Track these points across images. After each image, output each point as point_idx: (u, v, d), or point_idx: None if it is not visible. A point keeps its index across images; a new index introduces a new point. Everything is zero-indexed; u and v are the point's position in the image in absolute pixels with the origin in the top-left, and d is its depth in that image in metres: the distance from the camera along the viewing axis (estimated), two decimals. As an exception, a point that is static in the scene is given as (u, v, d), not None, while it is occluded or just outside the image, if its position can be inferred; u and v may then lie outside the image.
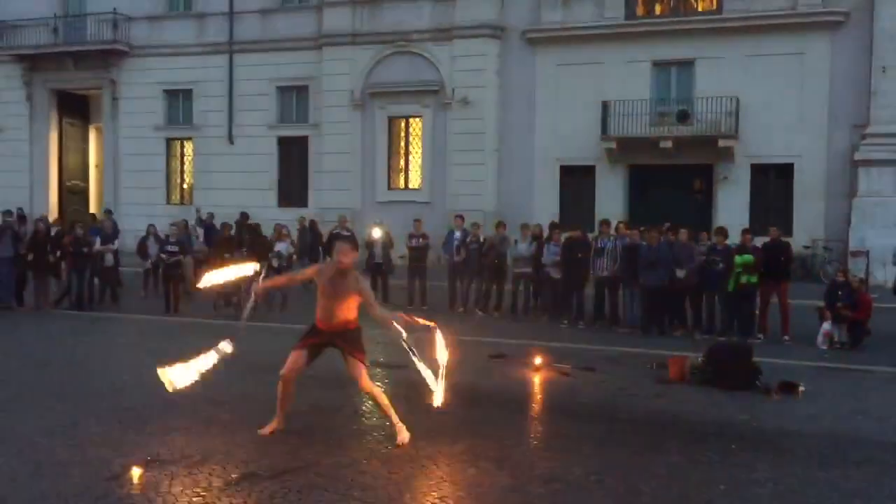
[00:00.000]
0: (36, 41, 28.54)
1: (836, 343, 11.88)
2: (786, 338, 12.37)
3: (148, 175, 28.23)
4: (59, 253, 15.07)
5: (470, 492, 5.38)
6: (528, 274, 14.55)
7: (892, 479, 5.88)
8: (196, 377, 6.29)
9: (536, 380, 9.33)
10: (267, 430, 6.56)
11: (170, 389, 6.27)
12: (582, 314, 13.83)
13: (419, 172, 25.57)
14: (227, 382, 8.51)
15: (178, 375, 6.25)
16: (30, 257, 14.95)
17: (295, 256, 16.91)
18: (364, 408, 7.79)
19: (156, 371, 6.33)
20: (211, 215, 20.63)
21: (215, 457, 5.98)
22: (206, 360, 6.33)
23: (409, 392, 8.45)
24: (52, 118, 29.73)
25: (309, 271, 6.94)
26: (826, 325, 11.95)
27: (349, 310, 6.41)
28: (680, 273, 12.72)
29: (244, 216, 18.63)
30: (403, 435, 6.40)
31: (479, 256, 15.02)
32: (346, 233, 16.17)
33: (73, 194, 30.14)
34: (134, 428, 6.81)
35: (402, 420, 6.53)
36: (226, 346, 6.41)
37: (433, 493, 5.33)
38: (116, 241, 16.25)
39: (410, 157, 25.89)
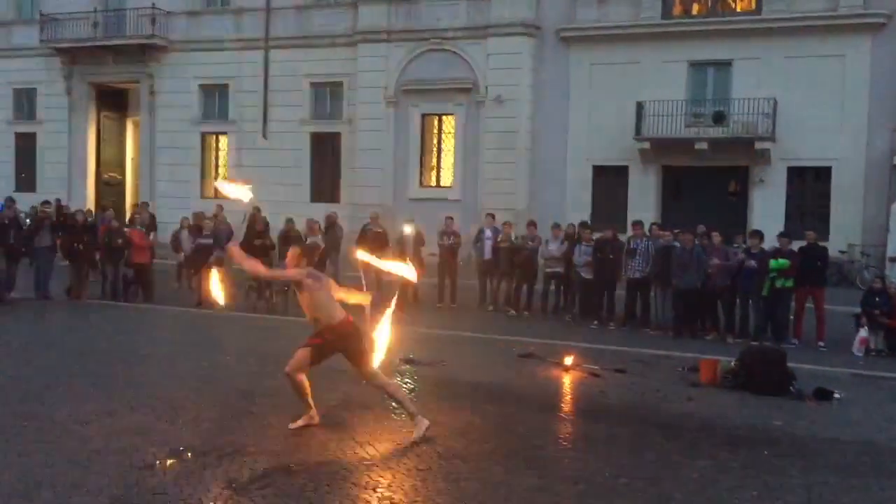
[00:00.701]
0: (76, 35, 28.96)
1: (872, 350, 11.69)
2: (821, 344, 12.18)
3: (183, 168, 28.53)
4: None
5: (497, 490, 5.37)
6: (559, 274, 14.50)
7: (929, 490, 5.77)
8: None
9: (566, 380, 9.29)
10: (299, 423, 6.60)
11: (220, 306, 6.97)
12: (613, 315, 13.75)
13: (451, 170, 25.55)
14: (259, 375, 8.59)
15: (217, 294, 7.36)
16: (79, 247, 15.17)
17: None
18: (394, 404, 7.80)
19: (187, 361, 6.42)
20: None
21: (245, 448, 6.03)
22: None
23: (439, 389, 8.48)
24: (90, 111, 30.17)
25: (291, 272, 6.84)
26: (863, 332, 11.76)
27: (333, 306, 6.53)
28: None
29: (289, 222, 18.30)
30: (422, 425, 6.45)
31: (509, 255, 15.00)
32: (378, 229, 16.27)
33: (109, 186, 30.57)
34: (166, 418, 6.89)
35: (426, 416, 6.57)
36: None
37: (460, 491, 5.33)
38: (152, 235, 16.44)
39: (443, 155, 25.89)
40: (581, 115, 23.72)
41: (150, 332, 12.25)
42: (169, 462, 5.68)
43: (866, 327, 11.78)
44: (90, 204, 28.68)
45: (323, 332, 6.48)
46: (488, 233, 15.43)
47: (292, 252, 6.78)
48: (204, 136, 28.98)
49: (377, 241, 15.79)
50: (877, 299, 12.07)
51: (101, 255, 15.53)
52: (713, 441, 6.87)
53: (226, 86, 28.21)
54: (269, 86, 27.40)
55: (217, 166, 29.16)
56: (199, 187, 28.76)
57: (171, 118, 28.68)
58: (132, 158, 31.21)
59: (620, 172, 23.71)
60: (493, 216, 16.09)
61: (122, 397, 7.59)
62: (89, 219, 17.09)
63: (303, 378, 6.54)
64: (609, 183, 23.87)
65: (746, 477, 5.89)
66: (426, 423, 6.46)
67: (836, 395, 8.62)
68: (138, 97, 29.80)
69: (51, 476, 5.38)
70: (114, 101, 30.79)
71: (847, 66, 21.40)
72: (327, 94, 27.18)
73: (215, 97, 28.65)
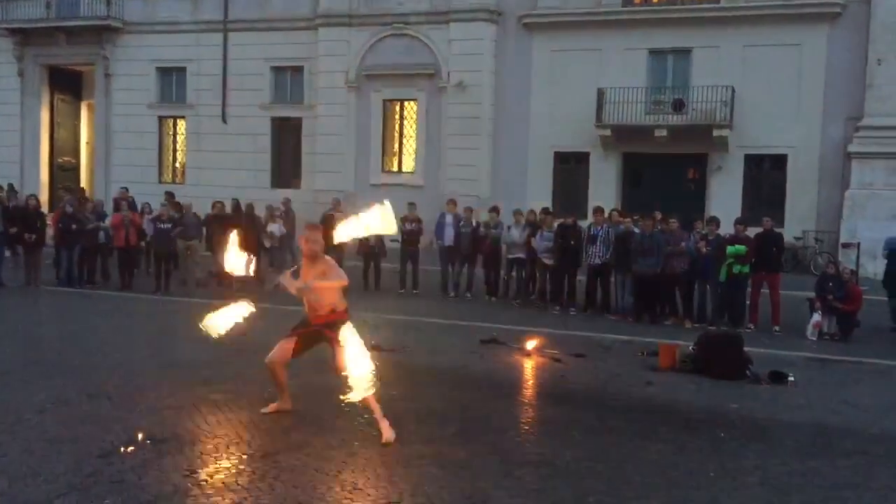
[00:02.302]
0: (28, 15, 28.23)
1: (825, 334, 11.95)
2: (776, 328, 12.42)
3: (140, 153, 28.03)
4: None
5: (459, 475, 5.40)
6: (521, 259, 14.57)
7: (879, 470, 5.92)
8: (237, 320, 6.49)
9: (527, 365, 9.35)
10: (271, 408, 6.61)
11: (214, 336, 6.46)
12: (574, 301, 13.87)
13: (413, 156, 25.49)
14: (219, 363, 8.51)
15: (218, 323, 6.45)
16: (12, 231, 14.85)
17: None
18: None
19: (146, 348, 6.32)
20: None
21: (206, 436, 5.98)
22: (241, 310, 6.50)
23: (402, 375, 8.48)
24: (43, 94, 29.46)
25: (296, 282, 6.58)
26: (816, 317, 12.01)
27: (330, 295, 6.31)
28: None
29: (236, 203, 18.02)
30: (388, 434, 6.05)
31: (471, 241, 15.04)
32: (339, 215, 16.16)
33: (64, 171, 29.93)
34: (125, 406, 6.80)
35: (387, 409, 6.54)
36: (248, 307, 6.51)
37: (422, 475, 5.34)
38: (107, 220, 16.13)
39: (405, 141, 25.80)
40: (543, 102, 23.80)
41: (108, 319, 12.04)
42: (128, 450, 5.60)
43: (820, 312, 12.03)
44: (44, 189, 28.10)
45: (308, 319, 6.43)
46: (450, 219, 15.43)
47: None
48: (161, 119, 28.51)
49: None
50: (830, 284, 12.32)
51: (56, 241, 15.22)
52: (672, 424, 6.97)
53: (183, 69, 27.73)
54: (228, 69, 27.01)
55: (175, 151, 28.73)
56: (156, 172, 28.32)
57: (127, 101, 28.13)
58: (87, 142, 30.60)
59: (581, 159, 23.87)
60: (455, 202, 16.09)
61: (78, 385, 7.46)
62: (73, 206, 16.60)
63: (283, 373, 6.58)
64: (570, 169, 24.02)
65: (704, 459, 6.00)
66: (392, 434, 6.07)
67: (791, 378, 8.80)
68: (93, 80, 29.18)
69: (6, 465, 5.28)
70: (68, 84, 30.10)
71: (803, 55, 21.74)
72: (288, 79, 26.89)
73: (172, 80, 28.16)
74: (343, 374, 6.16)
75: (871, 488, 5.52)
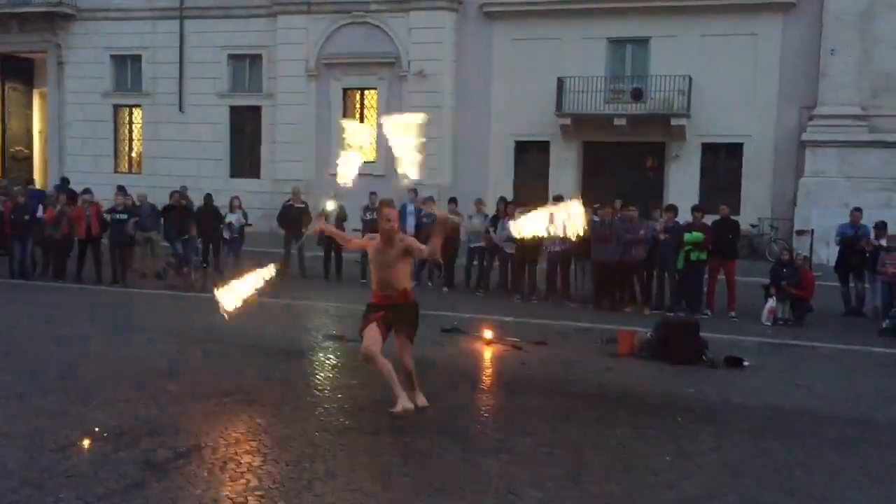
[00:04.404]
0: (-23, 1, 27.53)
1: (780, 320, 12.18)
2: (732, 314, 12.64)
3: (95, 143, 27.52)
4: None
5: (420, 463, 5.41)
6: (481, 248, 14.60)
7: (830, 451, 6.06)
8: (248, 294, 6.38)
9: (488, 353, 9.39)
10: (398, 408, 6.03)
11: (225, 315, 6.34)
12: (534, 289, 13.95)
13: (374, 146, 25.32)
14: (176, 354, 8.42)
15: (229, 298, 6.33)
16: None
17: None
18: (315, 380, 7.77)
19: (102, 340, 6.22)
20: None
21: (163, 428, 5.91)
22: (254, 281, 6.36)
23: (361, 364, 8.47)
24: (-7, 82, 28.76)
25: (361, 241, 7.00)
26: (771, 302, 12.24)
27: (405, 277, 6.29)
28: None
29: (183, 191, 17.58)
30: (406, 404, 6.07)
31: (431, 231, 15.01)
32: (299, 205, 16.06)
33: (16, 161, 29.25)
34: (80, 399, 6.69)
35: (347, 399, 6.54)
36: (270, 270, 6.50)
37: (381, 465, 5.35)
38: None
39: (365, 130, 25.62)
40: (503, 91, 23.84)
41: (63, 311, 11.83)
42: (83, 444, 5.52)
43: (774, 298, 12.26)
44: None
45: (377, 303, 6.33)
46: (411, 208, 15.40)
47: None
48: (116, 108, 27.99)
49: (298, 217, 15.62)
50: (784, 271, 12.55)
51: (7, 231, 14.89)
52: (630, 409, 7.06)
53: (138, 57, 27.23)
54: (185, 57, 26.58)
55: (131, 140, 28.24)
56: (112, 162, 27.82)
57: (81, 90, 27.56)
58: (40, 131, 29.92)
59: (542, 148, 23.97)
60: (415, 191, 16.06)
61: (32, 378, 7.33)
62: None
63: (386, 362, 6.15)
64: (531, 158, 24.11)
65: (661, 442, 6.09)
66: (406, 404, 6.07)
67: (746, 363, 8.97)
68: (45, 68, 28.52)
69: (-44, 461, 5.17)
70: (19, 72, 29.35)
71: (759, 44, 22.07)
72: (246, 67, 26.54)
73: (128, 68, 27.64)
74: (408, 368, 6.27)
75: (821, 468, 5.65)
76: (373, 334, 6.15)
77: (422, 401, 6.36)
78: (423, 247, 6.19)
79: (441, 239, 6.18)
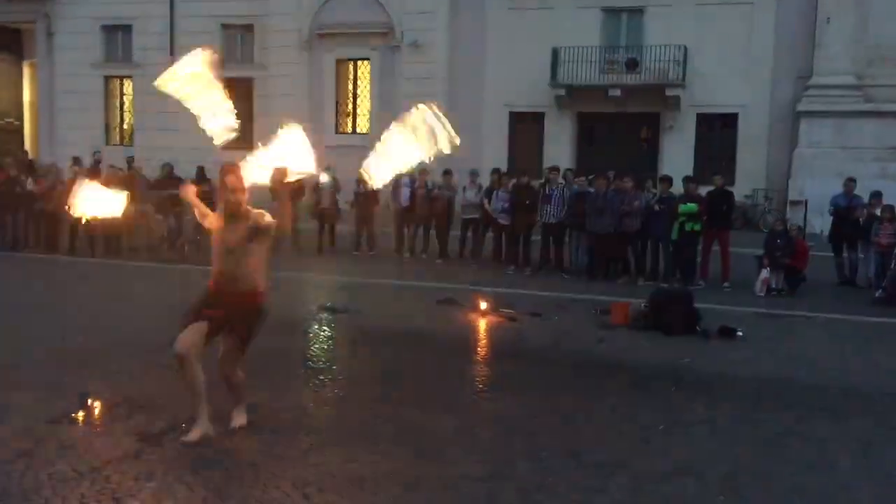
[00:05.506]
0: (-37, -30, 27.12)
1: (773, 290, 12.21)
2: (726, 284, 12.66)
3: (85, 114, 27.26)
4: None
5: (416, 433, 5.43)
6: (476, 220, 14.58)
7: (821, 421, 6.10)
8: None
9: (482, 324, 9.41)
10: (193, 436, 5.01)
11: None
12: (528, 260, 13.95)
13: (367, 117, 25.21)
14: (169, 327, 8.40)
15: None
16: None
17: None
18: (311, 352, 7.78)
19: (96, 313, 6.19)
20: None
21: (157, 400, 5.90)
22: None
23: (358, 336, 8.49)
24: (-18, 53, 28.45)
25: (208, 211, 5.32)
26: (765, 273, 12.27)
27: (256, 270, 4.93)
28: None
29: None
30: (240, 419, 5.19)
31: (426, 202, 15.00)
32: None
33: (6, 133, 29.01)
34: (75, 371, 6.69)
35: (343, 370, 6.53)
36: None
37: (377, 434, 5.37)
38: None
39: (359, 101, 25.49)
40: (498, 61, 23.65)
41: (55, 283, 11.80)
42: (77, 415, 5.52)
43: (768, 268, 12.29)
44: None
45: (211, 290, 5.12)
46: (406, 180, 15.33)
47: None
48: (107, 79, 27.73)
49: (293, 189, 15.51)
50: (778, 241, 12.56)
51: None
52: (624, 380, 7.10)
53: (129, 27, 26.94)
54: (175, 27, 26.28)
55: (122, 111, 28.01)
56: (102, 133, 27.60)
57: (70, 61, 27.27)
58: (30, 103, 29.65)
59: (537, 119, 23.86)
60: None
61: (26, 351, 7.32)
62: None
63: (199, 372, 5.00)
64: (525, 129, 24.00)
65: (655, 412, 6.12)
66: (207, 429, 5.02)
67: (739, 333, 9.00)
68: (34, 39, 28.19)
69: (-49, 434, 5.17)
70: (8, 43, 29.02)
71: (754, 14, 21.91)
72: (239, 37, 26.28)
73: (118, 39, 27.34)
74: (233, 381, 5.17)
75: (813, 437, 5.69)
76: (193, 334, 4.85)
77: (240, 421, 5.28)
78: (269, 220, 4.85)
79: (288, 204, 4.88)
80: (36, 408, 5.67)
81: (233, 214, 4.74)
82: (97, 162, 17.01)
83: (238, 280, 4.87)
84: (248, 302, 4.94)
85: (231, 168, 4.92)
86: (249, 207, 4.86)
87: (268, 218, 4.88)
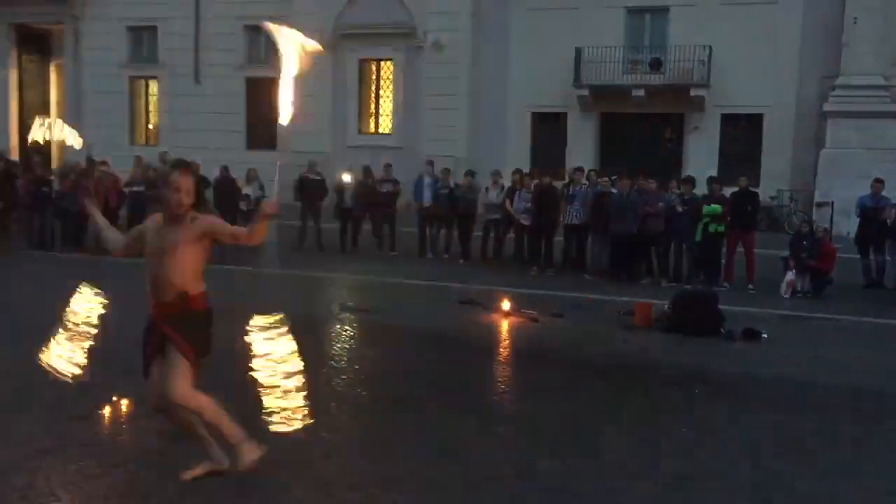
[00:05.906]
0: (-7, -28, 27.54)
1: (798, 292, 12.09)
2: (750, 286, 12.55)
3: (111, 114, 27.59)
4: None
5: (437, 434, 5.42)
6: (498, 221, 14.55)
7: (845, 424, 6.02)
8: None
9: (504, 325, 9.38)
10: (247, 461, 4.41)
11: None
12: (551, 261, 13.90)
13: (390, 117, 25.27)
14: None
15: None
16: None
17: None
18: (332, 351, 7.79)
19: (123, 310, 6.22)
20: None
21: (182, 398, 5.93)
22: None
23: (379, 335, 8.49)
24: (11, 54, 28.83)
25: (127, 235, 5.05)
26: (790, 275, 12.14)
27: (190, 274, 4.39)
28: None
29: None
30: (250, 454, 4.42)
31: (448, 202, 15.00)
32: (315, 177, 16.04)
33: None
34: (100, 368, 6.71)
35: (364, 370, 6.54)
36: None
37: (397, 433, 5.37)
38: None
39: (381, 102, 25.55)
40: (521, 62, 23.63)
41: (82, 281, 11.90)
42: (102, 412, 5.57)
43: (794, 270, 12.16)
44: (14, 151, 27.58)
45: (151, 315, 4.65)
46: (428, 180, 15.36)
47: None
48: (132, 80, 28.03)
49: (315, 189, 15.63)
50: (804, 243, 12.44)
51: (27, 205, 14.99)
52: (647, 381, 7.05)
53: (154, 28, 27.22)
54: (200, 28, 26.52)
55: (147, 112, 28.29)
56: (127, 133, 27.89)
57: (97, 62, 27.62)
58: (57, 103, 30.03)
59: (559, 119, 23.79)
60: (432, 163, 16.01)
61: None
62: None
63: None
64: (548, 129, 23.94)
65: (678, 415, 6.07)
66: (255, 453, 4.44)
67: (764, 336, 8.91)
68: (62, 40, 28.56)
69: (-22, 429, 5.23)
70: (36, 44, 29.45)
71: (779, 13, 21.71)
72: (262, 38, 26.41)
73: (143, 40, 27.66)
74: (161, 404, 4.44)
75: (839, 441, 5.62)
76: (154, 381, 4.45)
77: (192, 473, 4.50)
78: (238, 229, 4.38)
79: (265, 224, 4.20)
80: (60, 404, 5.72)
81: (176, 215, 4.30)
82: (90, 160, 17.02)
83: (175, 285, 4.39)
84: (187, 306, 4.46)
85: (186, 170, 4.37)
86: (194, 212, 4.38)
87: (213, 219, 4.52)
